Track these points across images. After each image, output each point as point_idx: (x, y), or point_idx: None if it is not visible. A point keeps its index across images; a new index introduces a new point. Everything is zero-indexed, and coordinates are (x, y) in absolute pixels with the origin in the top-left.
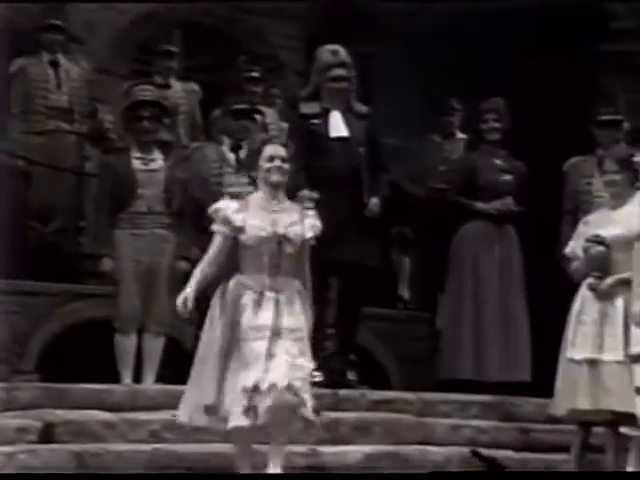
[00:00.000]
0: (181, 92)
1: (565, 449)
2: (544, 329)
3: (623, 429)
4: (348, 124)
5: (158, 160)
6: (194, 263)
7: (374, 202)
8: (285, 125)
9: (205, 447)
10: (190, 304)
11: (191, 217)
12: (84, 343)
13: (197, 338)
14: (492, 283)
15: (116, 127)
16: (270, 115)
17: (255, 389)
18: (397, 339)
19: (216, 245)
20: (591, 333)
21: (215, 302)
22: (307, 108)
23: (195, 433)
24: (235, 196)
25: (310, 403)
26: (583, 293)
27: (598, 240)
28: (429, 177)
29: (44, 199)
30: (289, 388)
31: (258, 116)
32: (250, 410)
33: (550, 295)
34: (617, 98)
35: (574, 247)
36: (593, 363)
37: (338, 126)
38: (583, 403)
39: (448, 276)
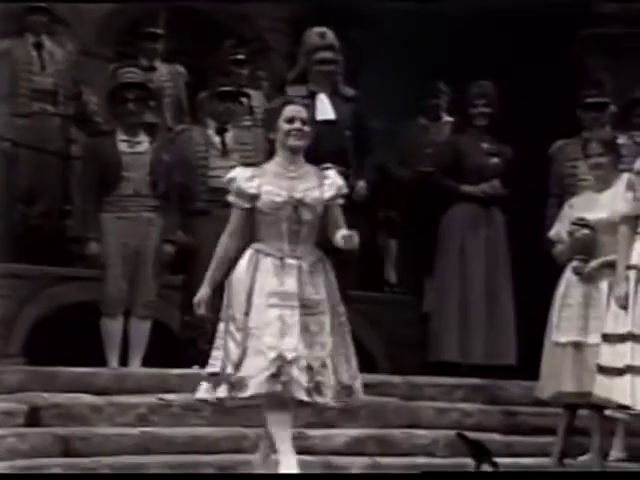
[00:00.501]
0: (167, 74)
1: (551, 432)
2: (530, 312)
3: (608, 412)
4: (335, 107)
5: (144, 143)
6: (180, 246)
7: (361, 185)
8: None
9: (193, 430)
10: (204, 306)
11: (177, 200)
12: (71, 326)
13: (185, 322)
14: (479, 266)
15: (101, 110)
16: (256, 98)
17: (278, 358)
18: (384, 322)
19: (235, 217)
20: (576, 316)
21: (232, 276)
22: (294, 91)
23: (184, 416)
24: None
25: (328, 386)
26: (568, 276)
27: (583, 223)
28: (416, 160)
29: (30, 182)
30: (307, 369)
31: (244, 99)
32: (272, 378)
33: (536, 278)
34: (603, 81)
35: (559, 230)
36: (578, 346)
37: (325, 109)
38: (568, 386)
39: (435, 259)
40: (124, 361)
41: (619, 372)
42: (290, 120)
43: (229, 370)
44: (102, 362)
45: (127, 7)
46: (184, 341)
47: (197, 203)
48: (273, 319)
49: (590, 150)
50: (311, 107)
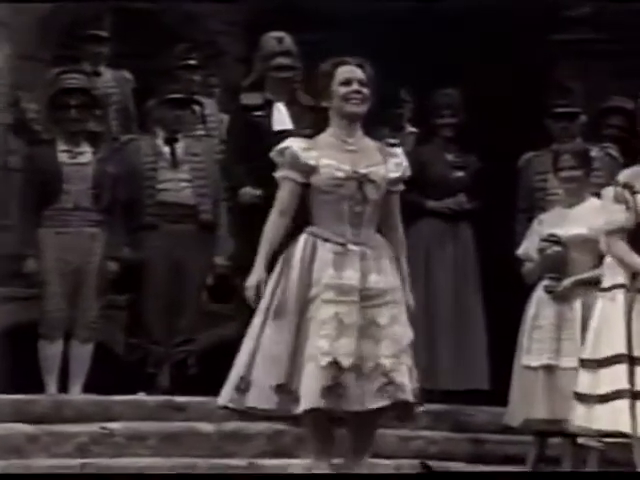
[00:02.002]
0: (112, 80)
1: (520, 461)
2: (498, 333)
3: (581, 440)
4: (293, 117)
5: (87, 153)
6: (125, 264)
7: None
8: (225, 117)
9: (138, 461)
10: (258, 290)
11: (122, 215)
12: (6, 350)
13: (130, 345)
14: (445, 285)
15: (41, 117)
16: (209, 106)
17: (335, 364)
18: None
19: (286, 193)
20: (548, 338)
21: (283, 265)
22: (249, 99)
23: (128, 446)
24: (301, 135)
25: (407, 383)
26: (538, 295)
27: (554, 240)
28: None
29: None
30: (376, 368)
31: (196, 107)
32: (329, 390)
33: (505, 297)
34: (572, 89)
35: (527, 247)
36: (550, 370)
37: (282, 119)
38: (540, 412)
39: None
40: (64, 387)
41: (600, 399)
42: (346, 82)
43: (273, 379)
44: (40, 388)
45: (70, 7)
46: (129, 365)
47: (144, 217)
48: (328, 318)
49: (561, 163)
50: (268, 117)
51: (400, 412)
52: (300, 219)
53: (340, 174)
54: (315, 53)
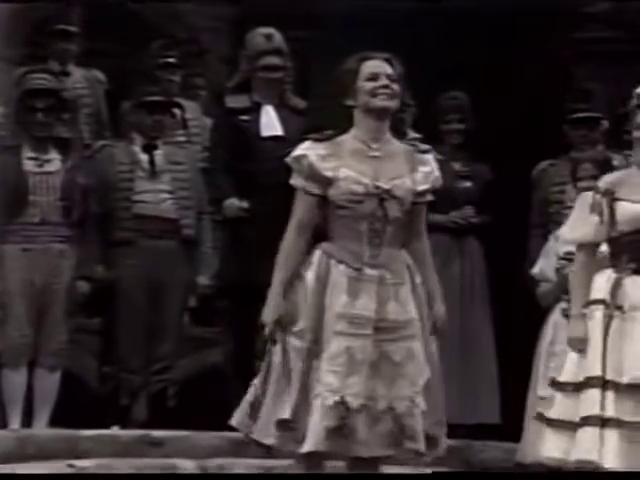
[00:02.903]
0: (82, 81)
1: None
2: (511, 361)
3: None
4: (283, 121)
5: (55, 161)
6: (98, 284)
7: None
8: (209, 121)
9: None
10: (277, 324)
11: (94, 229)
12: None
13: (103, 374)
14: (451, 308)
15: (6, 121)
16: (191, 109)
17: (342, 404)
18: None
19: (302, 206)
20: None
21: (297, 287)
22: (234, 101)
23: None
24: (320, 139)
25: (419, 431)
26: (555, 320)
27: (573, 258)
28: None
29: None
30: (388, 411)
31: (176, 110)
32: (335, 431)
33: (519, 322)
34: (593, 92)
35: (543, 266)
36: None
37: (271, 123)
38: (556, 450)
39: None
40: (28, 421)
41: (576, 426)
42: (373, 77)
43: (278, 413)
44: (1, 422)
45: (37, 2)
46: (101, 396)
47: (119, 232)
48: (338, 352)
49: (580, 172)
50: (255, 121)
51: (408, 458)
52: (316, 233)
53: (359, 189)
54: (307, 51)
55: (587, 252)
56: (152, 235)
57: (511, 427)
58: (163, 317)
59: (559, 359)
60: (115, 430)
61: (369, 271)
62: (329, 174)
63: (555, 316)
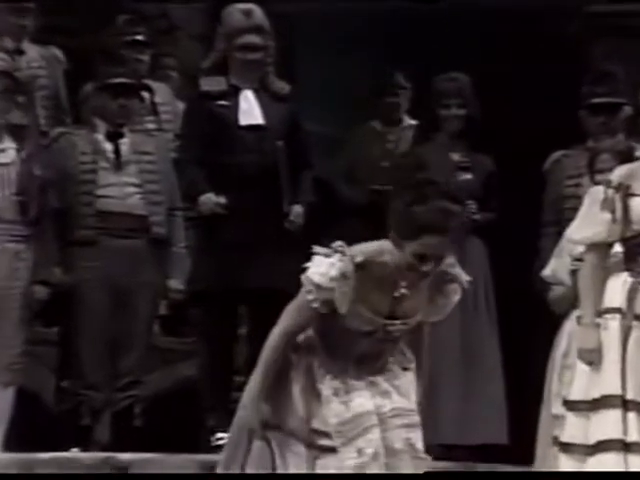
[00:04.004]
0: (39, 59)
1: None
2: (520, 375)
3: None
4: (264, 108)
5: (9, 151)
6: (56, 288)
7: (297, 211)
8: (181, 106)
9: None
10: (259, 432)
11: (53, 228)
12: None
13: (61, 390)
14: (451, 316)
15: None
16: (161, 92)
17: None
18: None
19: (302, 316)
20: None
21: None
22: (209, 84)
23: None
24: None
25: None
26: (570, 329)
27: None
28: (368, 176)
29: None
30: None
31: (145, 93)
32: None
33: (529, 331)
34: (614, 74)
35: (556, 268)
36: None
37: (250, 110)
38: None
39: None
40: None
41: (591, 451)
42: (421, 258)
43: None
44: None
45: None
46: (60, 415)
47: (81, 231)
48: (351, 465)
49: (599, 164)
50: (233, 107)
51: None
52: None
53: (367, 328)
54: (292, 29)
55: (598, 254)
56: (117, 234)
57: (520, 448)
58: (129, 326)
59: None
60: (75, 453)
61: (354, 381)
62: (344, 310)
63: (570, 324)
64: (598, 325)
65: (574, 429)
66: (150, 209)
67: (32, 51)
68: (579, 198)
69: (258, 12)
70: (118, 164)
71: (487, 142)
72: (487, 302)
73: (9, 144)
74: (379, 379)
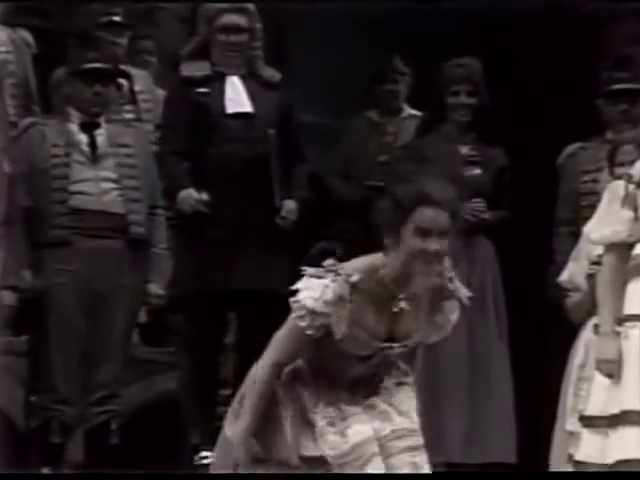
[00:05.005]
0: (7, 43)
1: None
2: (531, 389)
3: None
4: (252, 95)
5: None
6: (25, 294)
7: (290, 206)
8: (162, 94)
9: None
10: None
11: (22, 228)
12: None
13: (30, 406)
14: (457, 323)
15: None
16: (140, 79)
17: None
18: None
19: (294, 343)
20: None
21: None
22: (192, 70)
23: None
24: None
25: None
26: (588, 338)
27: None
28: (365, 170)
29: None
30: None
31: (122, 80)
32: None
33: (542, 341)
34: (636, 59)
35: (573, 272)
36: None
37: (238, 98)
38: None
39: None
40: None
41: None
42: (424, 233)
43: None
44: None
45: None
46: (29, 432)
47: (53, 231)
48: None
49: (620, 157)
50: (218, 94)
51: None
52: None
53: (364, 352)
54: (282, 10)
55: (618, 255)
56: (93, 234)
57: (531, 468)
58: (105, 334)
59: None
60: (46, 472)
61: (349, 407)
62: (339, 334)
63: (587, 333)
64: (618, 334)
65: (590, 447)
66: (129, 207)
67: None
68: (597, 195)
69: None
70: (94, 157)
71: (498, 134)
72: (496, 308)
73: None
74: (376, 400)
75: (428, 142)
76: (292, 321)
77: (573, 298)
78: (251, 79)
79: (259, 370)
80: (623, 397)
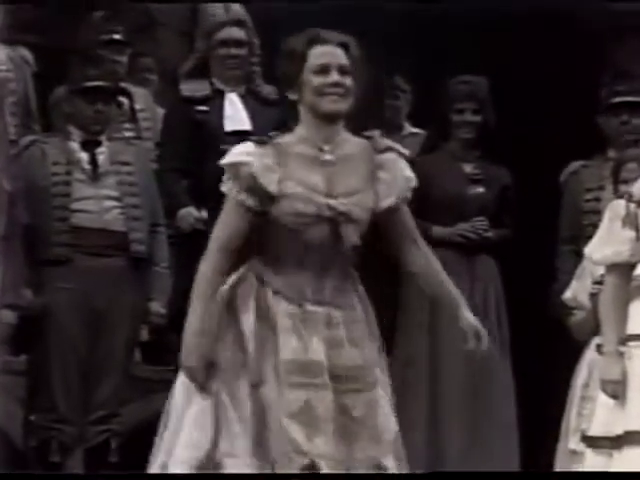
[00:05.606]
0: (6, 61)
1: None
2: (535, 408)
3: None
4: (251, 113)
5: None
6: (25, 312)
7: None
8: (161, 112)
9: None
10: (197, 358)
11: (22, 246)
12: None
13: (30, 424)
14: (458, 337)
15: None
16: (141, 97)
17: (309, 468)
18: None
19: (235, 220)
20: None
21: (224, 318)
22: (191, 89)
23: None
24: (263, 141)
25: None
26: (591, 357)
27: None
28: None
29: None
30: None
31: (123, 98)
32: None
33: (545, 359)
34: (636, 73)
35: (577, 291)
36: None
37: (236, 115)
38: None
39: (396, 330)
40: None
41: None
42: (323, 69)
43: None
44: None
45: None
46: (28, 451)
47: (53, 249)
48: (297, 408)
49: (624, 175)
50: (217, 112)
51: None
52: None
53: (309, 209)
54: (280, 24)
55: (620, 275)
56: (94, 252)
57: None
58: (106, 353)
59: (596, 405)
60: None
61: (313, 308)
62: (274, 189)
63: (591, 353)
64: (622, 354)
65: (594, 468)
66: (130, 225)
67: None
68: (599, 213)
69: (237, 6)
70: (95, 175)
71: (501, 152)
72: (499, 325)
73: None
74: (337, 316)
75: (431, 159)
76: (226, 200)
77: (577, 316)
78: (250, 96)
79: (204, 258)
80: (627, 418)
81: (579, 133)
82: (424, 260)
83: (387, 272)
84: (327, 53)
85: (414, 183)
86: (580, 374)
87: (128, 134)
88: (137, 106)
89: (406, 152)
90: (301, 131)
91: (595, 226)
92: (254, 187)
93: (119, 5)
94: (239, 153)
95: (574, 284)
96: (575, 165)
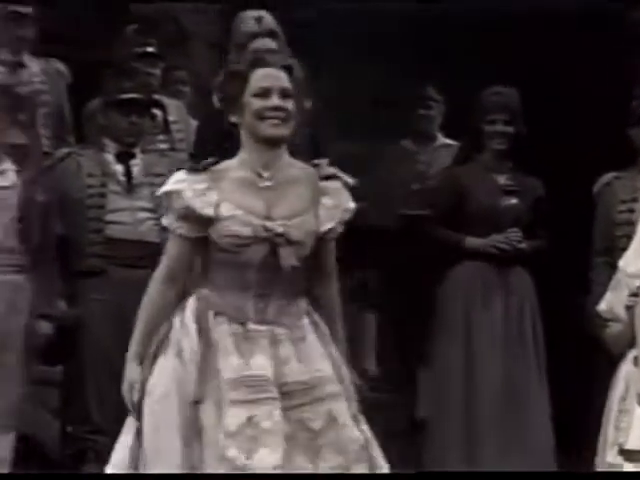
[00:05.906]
0: (41, 74)
1: None
2: (570, 423)
3: None
4: None
5: (9, 173)
6: (60, 323)
7: None
8: (195, 123)
9: None
10: (137, 393)
11: (57, 257)
12: None
13: (66, 435)
14: (492, 355)
15: None
16: (174, 109)
17: None
18: None
19: (175, 251)
20: None
21: (169, 340)
22: None
23: None
24: (197, 169)
25: None
26: (628, 370)
27: None
28: (399, 200)
29: None
30: None
31: (157, 111)
32: None
33: (581, 373)
34: None
35: (612, 302)
36: None
37: None
38: None
39: (431, 342)
40: None
41: None
42: (264, 93)
43: None
44: None
45: None
46: (64, 462)
47: (88, 260)
48: (240, 426)
49: None
50: None
51: None
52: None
53: (246, 231)
54: (307, 37)
55: None
56: (128, 263)
57: None
58: None
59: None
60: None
61: (255, 327)
62: (209, 212)
63: (627, 365)
64: None
65: None
66: (163, 236)
67: (33, 65)
68: (633, 224)
69: (269, 18)
70: (129, 187)
71: (534, 163)
72: (535, 338)
73: (9, 166)
74: (282, 334)
75: (464, 170)
76: (170, 229)
77: (612, 329)
78: None
79: (148, 288)
80: None
81: (612, 144)
82: (329, 303)
83: (418, 295)
84: (269, 76)
85: (350, 212)
86: (617, 387)
87: (162, 146)
88: (170, 118)
89: (350, 181)
90: (243, 155)
91: (629, 237)
92: (187, 214)
93: (152, 19)
94: (171, 182)
95: (609, 296)
96: (608, 177)
